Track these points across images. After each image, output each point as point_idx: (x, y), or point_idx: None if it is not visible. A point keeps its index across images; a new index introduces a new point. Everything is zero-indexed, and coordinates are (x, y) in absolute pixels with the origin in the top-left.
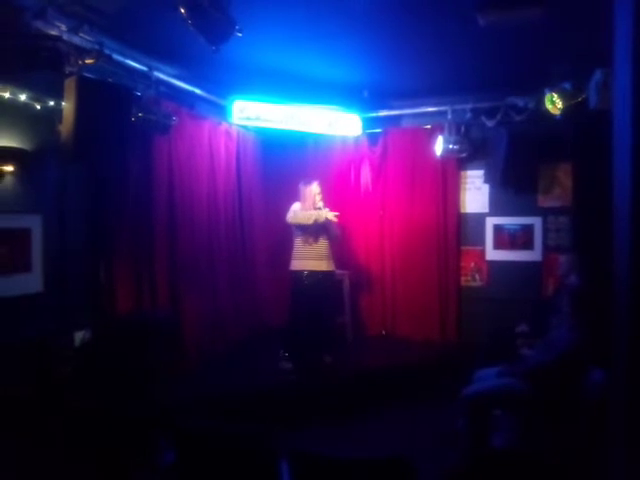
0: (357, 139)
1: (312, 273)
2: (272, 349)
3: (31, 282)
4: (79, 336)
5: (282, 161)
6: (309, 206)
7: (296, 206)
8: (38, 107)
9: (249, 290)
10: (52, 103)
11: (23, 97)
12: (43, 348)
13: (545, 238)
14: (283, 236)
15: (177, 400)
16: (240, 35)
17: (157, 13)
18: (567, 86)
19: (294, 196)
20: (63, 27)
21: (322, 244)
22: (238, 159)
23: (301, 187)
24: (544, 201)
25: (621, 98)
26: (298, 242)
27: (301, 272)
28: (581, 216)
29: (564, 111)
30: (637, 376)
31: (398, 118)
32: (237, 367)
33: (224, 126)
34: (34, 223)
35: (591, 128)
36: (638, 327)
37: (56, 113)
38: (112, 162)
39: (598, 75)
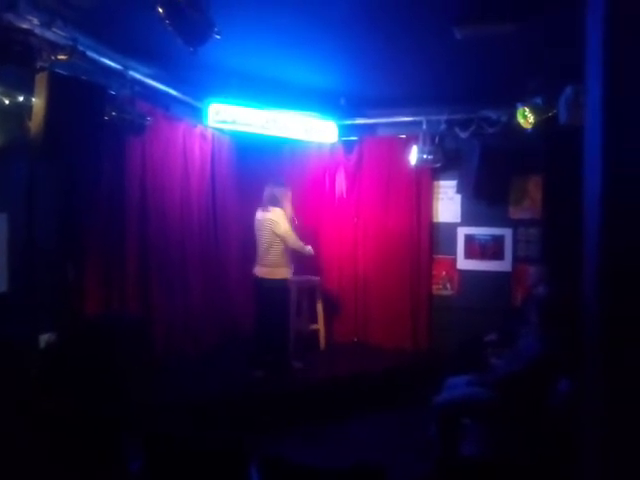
0: (333, 146)
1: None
2: (245, 353)
3: None
4: (44, 338)
5: (257, 165)
6: (290, 212)
7: (283, 215)
8: (7, 102)
9: (222, 293)
10: (22, 98)
11: None
12: (6, 350)
13: (515, 249)
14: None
15: (146, 404)
16: (218, 37)
17: (134, 11)
18: (538, 101)
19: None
20: (35, 21)
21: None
22: (213, 162)
23: (280, 191)
24: (515, 213)
25: (592, 114)
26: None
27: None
28: (550, 228)
29: (535, 125)
30: (607, 384)
31: (374, 127)
32: (208, 371)
33: (199, 128)
34: (0, 221)
35: (561, 142)
36: (607, 337)
37: (26, 109)
38: (83, 160)
39: (568, 91)
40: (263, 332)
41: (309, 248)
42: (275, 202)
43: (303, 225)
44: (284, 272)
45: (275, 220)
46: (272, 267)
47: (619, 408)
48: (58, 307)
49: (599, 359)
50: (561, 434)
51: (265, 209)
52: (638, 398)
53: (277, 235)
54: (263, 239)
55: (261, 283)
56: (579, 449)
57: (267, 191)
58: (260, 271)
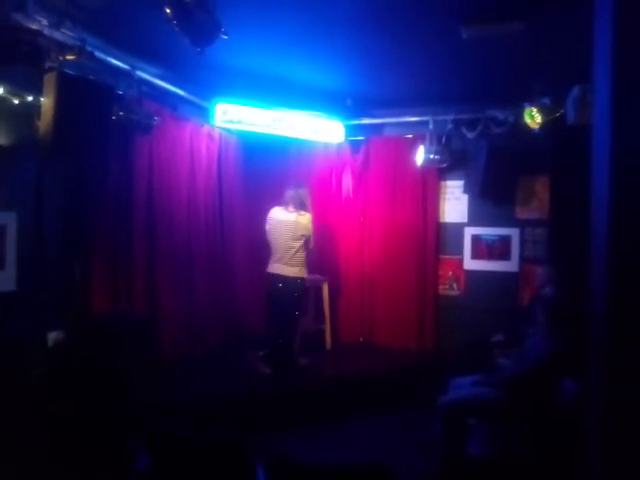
0: (339, 146)
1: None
2: (250, 353)
3: (4, 280)
4: (52, 337)
5: (264, 165)
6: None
7: (311, 219)
8: (16, 102)
9: (228, 293)
10: (31, 98)
11: (0, 91)
12: (14, 348)
13: (522, 249)
14: (264, 240)
15: (152, 404)
16: (225, 37)
17: (142, 11)
18: (546, 101)
19: (276, 200)
20: (44, 21)
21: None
22: (220, 162)
23: (307, 194)
24: (522, 213)
25: (600, 113)
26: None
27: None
28: (557, 228)
29: (542, 125)
30: (611, 384)
31: (380, 127)
32: (214, 371)
33: (206, 128)
34: (9, 220)
35: (568, 142)
36: (612, 336)
37: (34, 108)
38: (91, 160)
39: (576, 91)
40: (280, 330)
41: None
42: (304, 205)
43: None
44: (306, 271)
45: (307, 225)
46: (300, 266)
47: (623, 407)
48: (65, 305)
49: (603, 358)
50: (567, 434)
51: (296, 212)
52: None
53: (306, 237)
54: (290, 240)
55: (287, 282)
56: (584, 448)
57: (292, 193)
58: (288, 270)
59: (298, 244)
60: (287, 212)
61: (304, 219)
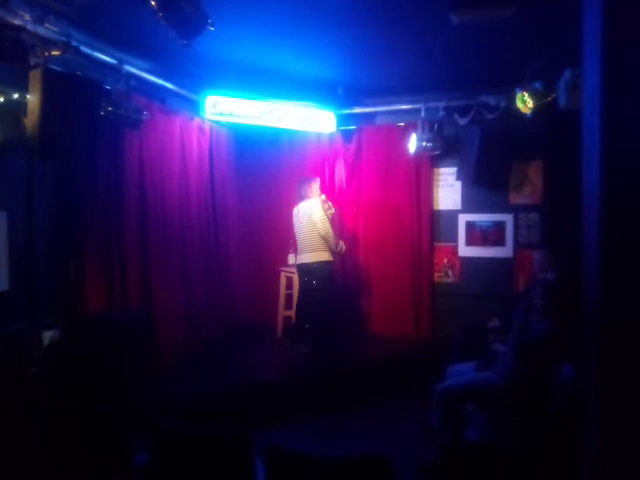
0: (331, 136)
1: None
2: (248, 346)
3: None
4: (47, 336)
5: (256, 157)
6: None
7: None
8: (1, 100)
9: (224, 287)
10: (16, 96)
11: None
12: (10, 348)
13: (516, 235)
14: (258, 233)
15: (151, 399)
16: (212, 29)
17: (127, 4)
18: (538, 86)
19: (269, 192)
20: (27, 17)
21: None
22: (211, 155)
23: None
24: (515, 198)
25: (590, 98)
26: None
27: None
28: (551, 213)
29: (535, 110)
30: (606, 371)
31: (372, 115)
32: (212, 365)
33: (196, 121)
34: None
35: (561, 127)
36: (607, 321)
37: (21, 106)
38: (81, 157)
39: (567, 75)
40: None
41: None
42: (313, 194)
43: None
44: (330, 255)
45: (315, 207)
46: (322, 250)
47: (615, 394)
48: (60, 304)
49: (595, 345)
50: (565, 419)
51: (306, 200)
52: (632, 382)
53: (319, 219)
54: (306, 227)
55: (313, 268)
56: (580, 434)
57: (300, 187)
58: (311, 257)
59: (313, 229)
60: (300, 203)
61: (312, 202)
